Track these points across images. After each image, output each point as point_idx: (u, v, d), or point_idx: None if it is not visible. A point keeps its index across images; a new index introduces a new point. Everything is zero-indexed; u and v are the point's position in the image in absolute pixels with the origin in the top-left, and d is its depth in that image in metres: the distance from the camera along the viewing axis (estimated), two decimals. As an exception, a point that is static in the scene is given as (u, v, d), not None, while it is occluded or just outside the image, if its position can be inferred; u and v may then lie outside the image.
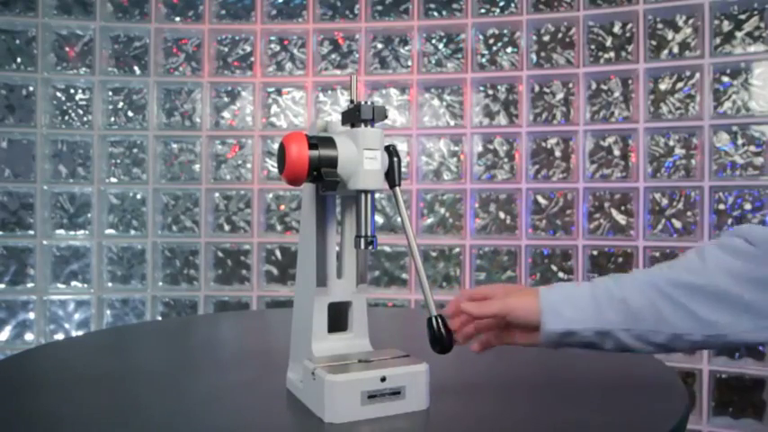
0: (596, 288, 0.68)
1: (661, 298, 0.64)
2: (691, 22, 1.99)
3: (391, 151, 0.74)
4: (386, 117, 0.73)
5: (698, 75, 1.96)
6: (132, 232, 2.26)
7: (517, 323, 0.69)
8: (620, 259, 2.05)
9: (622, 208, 2.07)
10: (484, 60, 2.19)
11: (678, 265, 0.67)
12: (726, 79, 1.95)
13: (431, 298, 0.71)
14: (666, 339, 0.65)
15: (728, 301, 0.63)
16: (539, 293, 0.69)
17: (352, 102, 0.73)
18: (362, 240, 0.70)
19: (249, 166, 2.26)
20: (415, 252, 0.72)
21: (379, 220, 2.24)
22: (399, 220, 0.74)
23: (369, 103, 0.71)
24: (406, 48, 2.23)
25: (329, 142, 0.70)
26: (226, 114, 2.29)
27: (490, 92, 2.19)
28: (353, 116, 0.71)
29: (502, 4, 2.17)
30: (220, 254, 2.28)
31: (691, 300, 0.64)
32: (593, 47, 2.10)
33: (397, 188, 0.73)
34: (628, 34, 2.07)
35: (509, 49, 2.17)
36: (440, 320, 0.70)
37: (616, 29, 2.09)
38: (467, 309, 0.69)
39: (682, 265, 0.66)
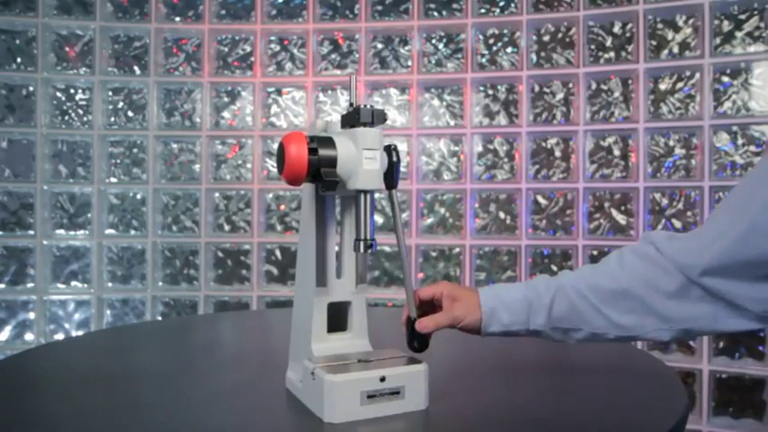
0: (529, 292, 0.76)
1: (581, 301, 0.73)
2: (691, 22, 1.99)
3: (391, 152, 0.74)
4: (385, 120, 0.74)
5: (698, 75, 1.96)
6: (132, 232, 2.26)
7: (464, 330, 0.78)
8: (620, 259, 2.05)
9: (622, 208, 2.07)
10: (484, 60, 2.19)
11: (600, 269, 0.75)
12: (726, 79, 1.95)
13: (413, 301, 0.78)
14: (586, 336, 0.75)
15: (638, 306, 0.71)
16: (479, 300, 0.77)
17: (351, 104, 0.73)
18: (362, 244, 0.71)
19: (249, 166, 2.26)
20: (404, 255, 0.77)
21: (379, 220, 2.24)
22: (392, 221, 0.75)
23: (368, 106, 0.71)
24: (406, 48, 2.23)
25: (329, 142, 0.70)
26: (226, 114, 2.29)
27: (490, 92, 2.19)
28: (353, 119, 0.72)
29: (502, 4, 2.17)
30: (220, 254, 2.28)
31: (605, 305, 0.72)
32: (593, 47, 2.10)
33: (394, 191, 0.75)
34: (628, 34, 2.07)
35: (509, 49, 2.17)
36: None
37: (616, 29, 2.09)
38: (423, 330, 0.76)
39: (603, 270, 0.74)
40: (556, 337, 0.77)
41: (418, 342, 0.77)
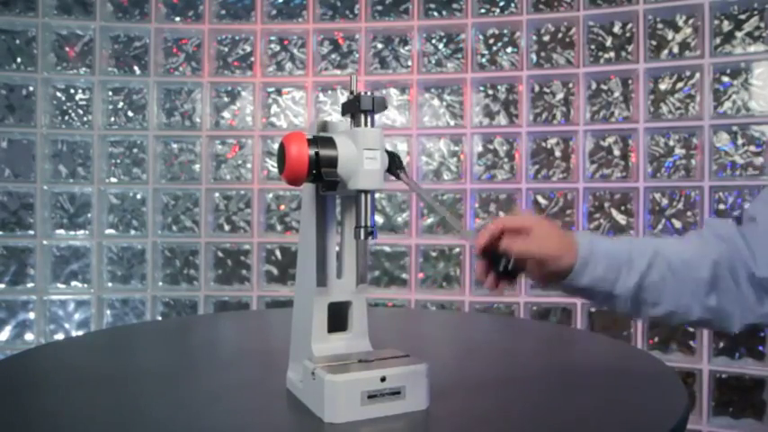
0: (626, 246, 0.72)
1: (674, 275, 0.71)
2: (691, 21, 1.99)
3: (392, 156, 0.74)
4: (385, 108, 0.73)
5: (698, 75, 1.96)
6: (132, 232, 2.26)
7: (546, 274, 0.71)
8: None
9: (622, 208, 2.07)
10: (484, 60, 2.19)
11: (690, 247, 0.73)
12: (726, 79, 1.95)
13: (456, 218, 0.74)
14: (662, 313, 0.72)
15: (731, 287, 0.71)
16: (576, 244, 0.71)
17: (351, 92, 0.73)
18: (362, 231, 0.70)
19: (249, 166, 2.26)
20: (423, 194, 0.74)
21: (380, 219, 2.24)
22: (409, 189, 0.74)
23: (368, 94, 0.71)
24: (406, 48, 2.23)
25: (329, 142, 0.70)
26: (226, 114, 2.29)
27: (490, 92, 2.19)
28: (353, 107, 0.71)
29: (502, 3, 2.17)
30: (220, 254, 2.28)
31: (698, 282, 0.70)
32: (593, 47, 2.10)
33: (402, 173, 0.74)
34: (628, 34, 2.07)
35: (509, 49, 2.17)
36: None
37: (616, 29, 2.09)
38: (510, 246, 0.69)
39: (694, 248, 0.73)
40: (627, 308, 0.72)
41: (506, 273, 0.69)
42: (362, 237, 0.70)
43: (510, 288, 0.72)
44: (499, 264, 0.70)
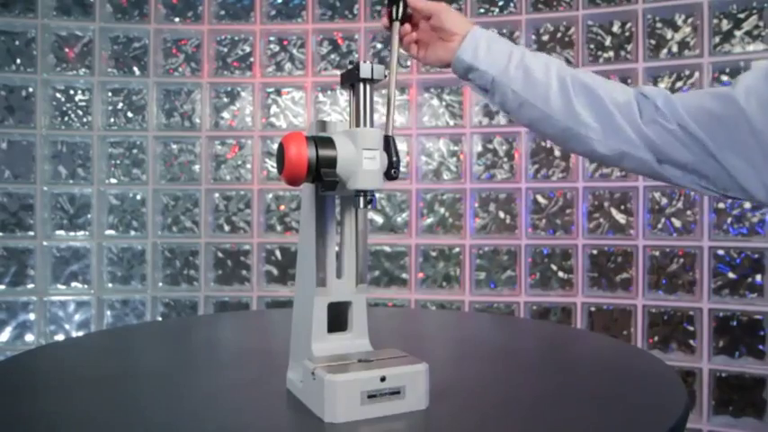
0: (516, 49, 0.79)
1: (557, 82, 0.76)
2: (690, 21, 1.99)
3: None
4: (385, 77, 0.74)
5: (697, 74, 1.96)
6: (132, 233, 2.26)
7: (442, 29, 0.82)
8: (620, 258, 2.05)
9: (622, 207, 2.07)
10: (483, 60, 2.19)
11: (593, 75, 0.78)
12: (725, 78, 1.95)
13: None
14: (531, 117, 0.78)
15: (602, 110, 0.75)
16: (473, 27, 0.81)
17: (351, 63, 0.74)
18: (361, 199, 0.71)
19: (249, 166, 2.26)
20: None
21: (380, 219, 2.24)
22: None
23: (368, 62, 0.71)
24: (406, 48, 2.22)
25: (328, 142, 0.70)
26: (225, 115, 2.29)
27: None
28: (352, 76, 0.72)
29: (501, 3, 2.17)
30: (220, 254, 2.28)
31: (577, 93, 0.75)
32: (592, 46, 2.10)
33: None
34: (627, 33, 2.07)
35: (508, 49, 2.17)
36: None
37: (615, 28, 2.09)
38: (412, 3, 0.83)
39: (595, 77, 0.78)
40: (508, 104, 0.78)
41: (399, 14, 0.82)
42: (362, 205, 0.71)
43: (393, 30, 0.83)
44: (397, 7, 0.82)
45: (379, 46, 2.25)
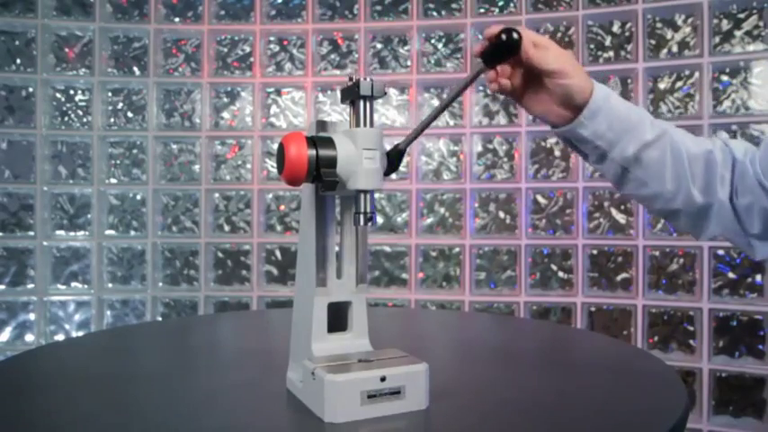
0: (639, 113, 0.71)
1: (673, 158, 0.71)
2: (690, 21, 1.99)
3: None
4: (385, 94, 0.73)
5: (697, 74, 1.96)
6: (132, 233, 2.26)
7: (560, 92, 0.69)
8: (620, 258, 2.05)
9: (622, 207, 2.07)
10: (483, 60, 2.19)
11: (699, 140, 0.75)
12: (725, 78, 1.95)
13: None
14: (647, 194, 0.73)
15: (715, 191, 0.72)
16: (595, 89, 0.69)
17: (350, 79, 0.73)
18: (362, 216, 0.70)
19: (249, 166, 2.26)
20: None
21: (379, 219, 2.24)
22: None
23: (368, 79, 0.71)
24: (406, 48, 2.23)
25: (328, 142, 0.70)
26: (225, 115, 2.29)
27: (489, 91, 2.19)
28: (353, 93, 0.72)
29: (501, 3, 2.17)
30: (220, 254, 2.28)
31: (693, 173, 0.71)
32: (592, 46, 2.10)
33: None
34: (627, 33, 2.07)
35: (508, 49, 2.17)
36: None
37: (615, 28, 2.09)
38: (529, 51, 0.66)
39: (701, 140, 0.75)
40: (612, 175, 0.72)
41: (504, 44, 0.64)
42: (362, 222, 0.70)
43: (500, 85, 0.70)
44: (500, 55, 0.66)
45: (378, 46, 2.25)
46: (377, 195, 2.17)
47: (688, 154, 0.71)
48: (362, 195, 0.71)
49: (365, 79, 0.70)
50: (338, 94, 2.29)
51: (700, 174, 0.72)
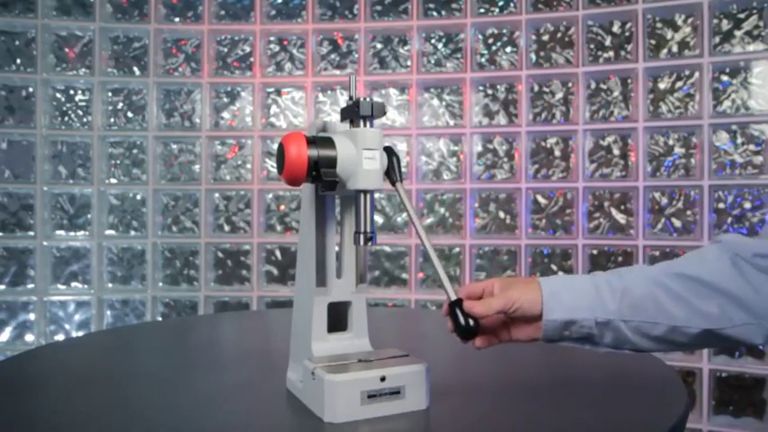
0: (596, 278, 0.68)
1: (660, 289, 0.65)
2: (690, 21, 1.99)
3: (389, 151, 0.74)
4: (385, 114, 0.73)
5: (697, 74, 1.96)
6: (132, 233, 2.26)
7: (521, 316, 0.67)
8: (620, 258, 2.05)
9: (622, 207, 2.07)
10: (483, 60, 2.19)
11: (677, 261, 0.68)
12: (725, 78, 1.95)
13: (449, 284, 0.68)
14: (665, 331, 0.65)
15: (725, 297, 0.63)
16: (539, 283, 0.68)
17: (350, 98, 0.73)
18: (362, 237, 0.71)
19: (249, 166, 2.26)
20: (429, 246, 0.71)
21: (379, 219, 2.24)
22: (406, 216, 0.73)
23: (368, 99, 0.71)
24: (406, 48, 2.23)
25: (328, 142, 0.70)
26: (225, 115, 2.29)
27: (489, 91, 2.19)
28: (352, 112, 0.72)
29: (501, 3, 2.17)
30: (220, 254, 2.28)
31: (688, 291, 0.64)
32: (592, 46, 2.10)
33: (399, 184, 0.73)
34: (627, 33, 2.07)
35: (508, 49, 2.17)
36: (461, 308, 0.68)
37: (615, 28, 2.09)
38: (472, 310, 0.66)
39: (680, 261, 0.68)
40: (628, 335, 0.65)
41: (463, 331, 0.66)
42: (362, 242, 0.71)
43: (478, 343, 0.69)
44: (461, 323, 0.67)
45: (378, 46, 2.25)
46: (377, 195, 2.17)
47: (671, 278, 0.66)
48: (362, 195, 0.71)
49: (365, 99, 0.71)
50: (338, 93, 2.30)
51: (699, 288, 0.65)
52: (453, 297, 0.68)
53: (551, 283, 0.67)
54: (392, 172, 0.73)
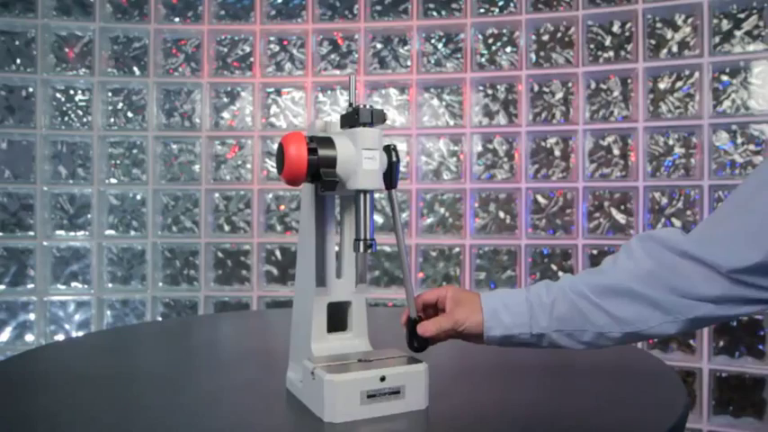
0: (530, 294, 0.74)
1: (581, 299, 0.71)
2: (690, 21, 1.99)
3: (391, 152, 0.74)
4: (384, 120, 0.74)
5: (697, 74, 1.96)
6: (132, 233, 2.26)
7: (466, 334, 0.75)
8: (620, 258, 2.05)
9: (622, 207, 2.07)
10: (483, 60, 2.19)
11: (597, 270, 0.74)
12: (725, 78, 1.95)
13: (413, 302, 0.77)
14: (593, 337, 0.72)
15: (639, 300, 0.69)
16: (481, 303, 0.75)
17: (350, 104, 0.73)
18: (362, 244, 0.71)
19: (249, 166, 2.26)
20: (404, 258, 0.77)
21: (379, 220, 2.24)
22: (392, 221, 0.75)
23: (367, 106, 0.71)
24: (406, 48, 2.23)
25: (328, 142, 0.70)
26: (225, 115, 2.29)
27: (489, 91, 2.19)
28: (352, 119, 0.72)
29: (501, 3, 2.17)
30: (220, 254, 2.28)
31: (603, 299, 0.70)
32: (592, 46, 2.10)
33: (393, 191, 0.75)
34: (627, 33, 2.07)
35: (508, 49, 2.17)
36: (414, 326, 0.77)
37: (615, 28, 2.09)
38: (424, 333, 0.75)
39: (599, 270, 0.73)
40: (562, 343, 0.73)
41: (418, 343, 0.76)
42: (362, 250, 0.71)
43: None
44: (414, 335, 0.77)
45: (378, 46, 2.25)
46: (377, 195, 2.17)
47: (590, 288, 0.71)
48: (362, 195, 0.71)
49: (364, 106, 0.71)
50: (338, 93, 2.30)
51: (617, 296, 0.71)
52: (414, 314, 0.77)
53: (491, 303, 0.75)
54: (389, 176, 0.74)
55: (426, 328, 0.75)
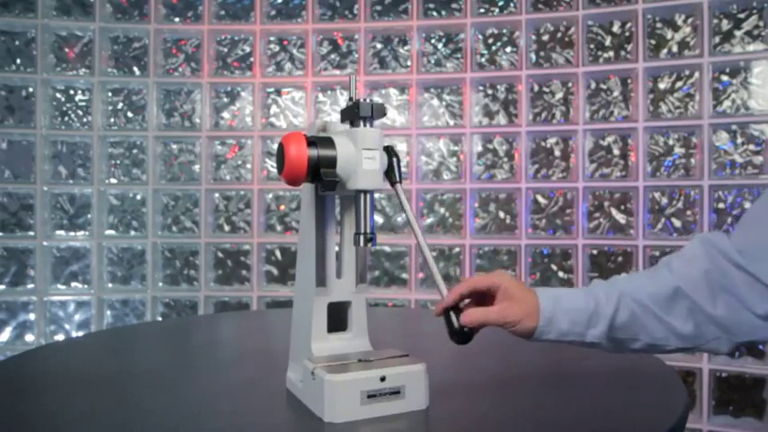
0: (590, 300, 0.71)
1: (642, 310, 0.70)
2: (690, 21, 1.99)
3: (390, 151, 0.74)
4: (385, 114, 0.73)
5: (697, 74, 1.96)
6: (132, 233, 2.26)
7: (514, 333, 0.71)
8: (620, 258, 2.05)
9: (622, 207, 2.07)
10: (483, 60, 2.19)
11: (656, 276, 0.72)
12: (725, 78, 1.95)
13: (445, 289, 0.71)
14: (642, 346, 0.71)
15: (697, 311, 0.69)
16: (538, 306, 0.70)
17: (351, 99, 0.73)
18: (362, 237, 0.71)
19: (249, 166, 2.26)
20: (424, 246, 0.73)
21: (379, 219, 2.24)
22: (404, 216, 0.74)
23: (368, 100, 0.71)
24: (406, 48, 2.23)
25: (328, 142, 0.70)
26: (225, 115, 2.29)
27: (489, 91, 2.19)
28: (352, 113, 0.72)
29: (501, 3, 2.17)
30: (220, 254, 2.28)
31: (667, 313, 0.70)
32: (592, 46, 2.10)
33: (398, 185, 0.74)
34: (627, 33, 2.07)
35: (508, 49, 2.17)
36: (456, 314, 0.70)
37: (615, 28, 2.09)
38: (469, 324, 0.69)
39: (658, 276, 0.72)
40: (608, 348, 0.72)
41: (460, 335, 0.69)
42: (362, 243, 0.71)
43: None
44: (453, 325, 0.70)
45: (378, 46, 2.25)
46: (377, 195, 2.17)
47: (652, 299, 0.70)
48: (362, 195, 0.71)
49: (364, 100, 0.71)
50: (338, 93, 2.30)
51: (677, 308, 0.71)
52: (450, 302, 0.70)
53: (550, 308, 0.70)
54: (392, 173, 0.73)
55: (472, 317, 0.69)
